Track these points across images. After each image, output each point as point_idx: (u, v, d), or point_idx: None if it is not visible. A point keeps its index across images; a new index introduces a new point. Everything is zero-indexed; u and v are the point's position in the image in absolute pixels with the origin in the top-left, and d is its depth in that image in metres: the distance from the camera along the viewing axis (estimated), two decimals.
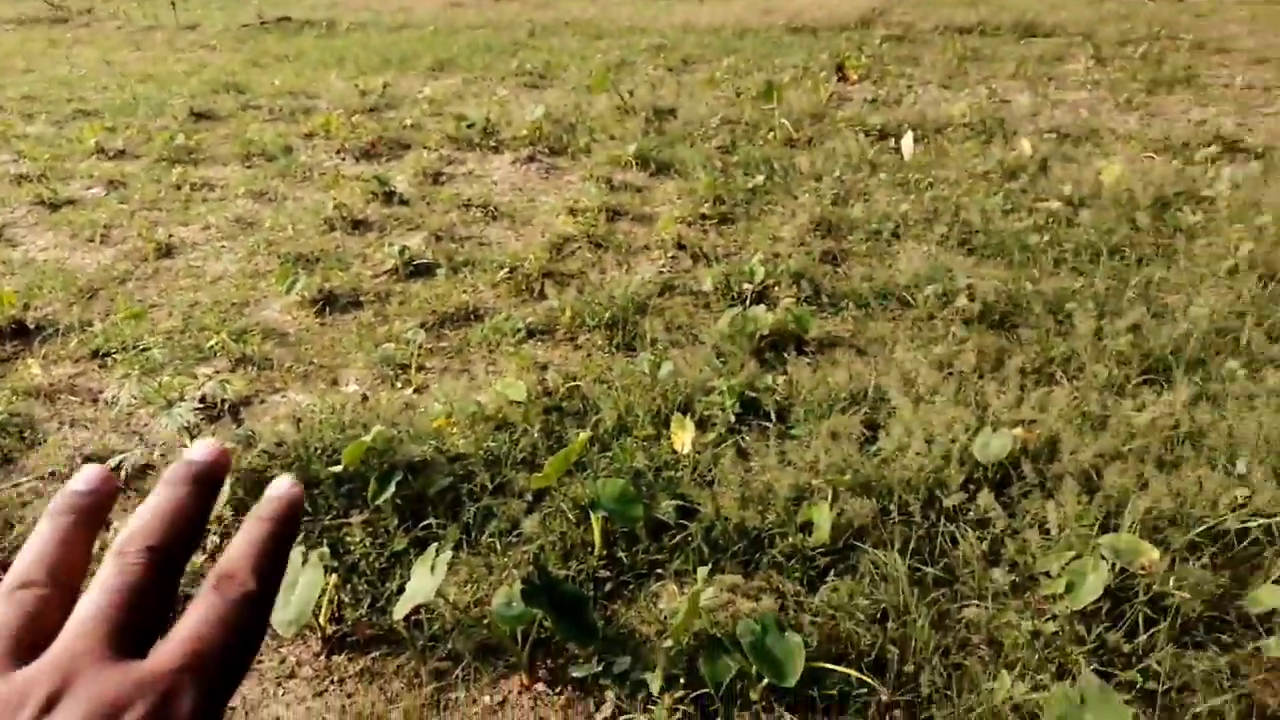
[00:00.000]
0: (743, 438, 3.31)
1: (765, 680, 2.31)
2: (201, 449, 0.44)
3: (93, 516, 0.43)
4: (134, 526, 0.41)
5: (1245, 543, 2.72)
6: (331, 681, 2.48)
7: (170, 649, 0.36)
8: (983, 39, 9.89)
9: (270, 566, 0.40)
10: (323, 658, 2.55)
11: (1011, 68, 8.50)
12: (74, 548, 0.41)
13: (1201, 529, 2.71)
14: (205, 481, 0.43)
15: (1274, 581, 2.53)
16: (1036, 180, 5.53)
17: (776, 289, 4.35)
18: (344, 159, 6.91)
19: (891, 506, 2.89)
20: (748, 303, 4.21)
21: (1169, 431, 3.16)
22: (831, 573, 2.71)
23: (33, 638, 0.38)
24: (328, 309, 4.53)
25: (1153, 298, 4.12)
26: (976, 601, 2.58)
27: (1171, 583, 2.50)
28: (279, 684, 2.49)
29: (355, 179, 6.21)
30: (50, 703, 0.34)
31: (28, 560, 0.41)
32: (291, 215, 5.71)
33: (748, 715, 2.33)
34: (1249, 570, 2.65)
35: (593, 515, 2.81)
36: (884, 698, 2.33)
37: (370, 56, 10.57)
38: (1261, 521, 2.73)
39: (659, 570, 2.78)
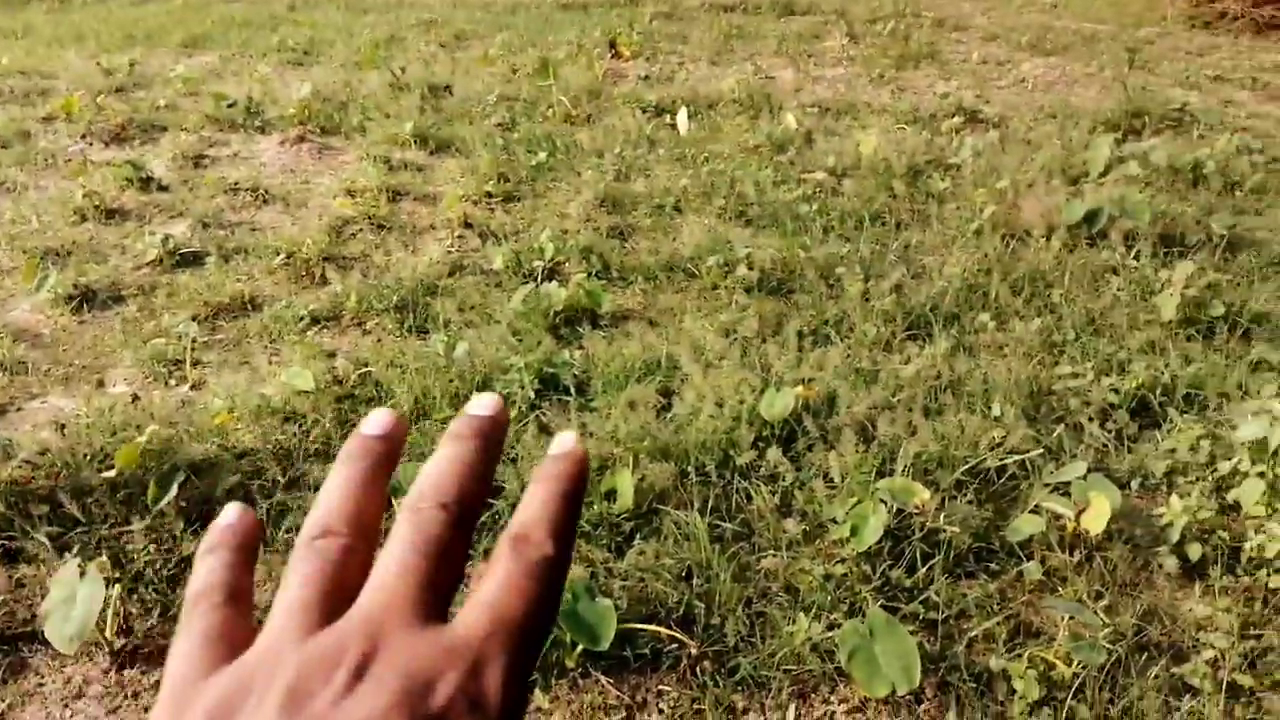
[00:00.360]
0: (543, 413, 3.34)
1: (580, 646, 2.36)
2: (484, 403, 0.42)
3: (387, 461, 0.41)
4: (425, 483, 0.38)
5: (1004, 478, 3.01)
6: (125, 697, 2.34)
7: (475, 615, 0.35)
8: (746, 16, 10.25)
9: (565, 528, 0.38)
10: (113, 673, 2.40)
11: (774, 45, 8.86)
12: (371, 494, 0.39)
13: (965, 468, 2.99)
14: (489, 435, 0.41)
15: (1030, 511, 2.82)
16: (803, 153, 5.82)
17: (567, 265, 4.40)
18: (91, 144, 6.36)
19: (689, 469, 3.00)
20: (540, 280, 4.23)
21: (932, 381, 3.44)
22: (637, 536, 2.79)
23: (337, 590, 0.36)
24: (85, 306, 4.20)
25: (911, 259, 4.45)
26: (773, 551, 2.73)
27: (943, 519, 2.74)
28: (65, 705, 2.32)
29: (106, 165, 5.74)
30: (361, 667, 0.32)
31: (327, 508, 0.39)
32: (35, 206, 5.23)
33: (565, 683, 2.38)
34: (1008, 503, 2.94)
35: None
36: (693, 650, 2.44)
37: (113, 32, 9.75)
38: (1016, 458, 3.03)
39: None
